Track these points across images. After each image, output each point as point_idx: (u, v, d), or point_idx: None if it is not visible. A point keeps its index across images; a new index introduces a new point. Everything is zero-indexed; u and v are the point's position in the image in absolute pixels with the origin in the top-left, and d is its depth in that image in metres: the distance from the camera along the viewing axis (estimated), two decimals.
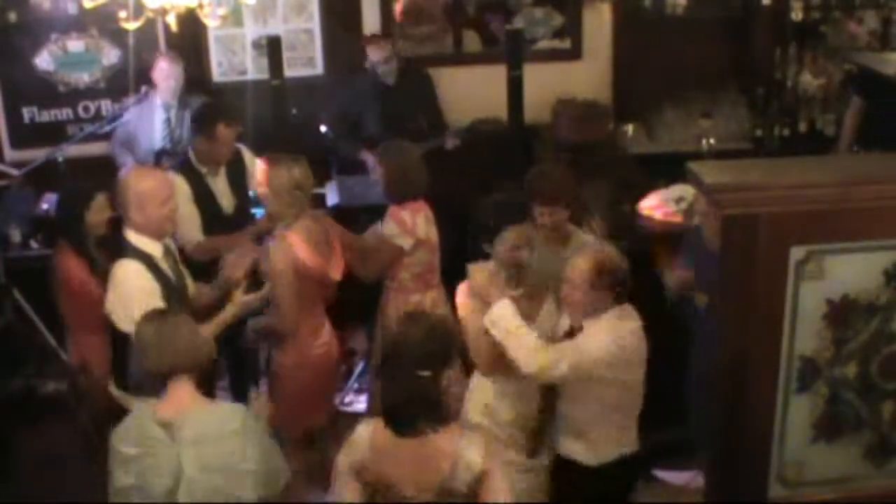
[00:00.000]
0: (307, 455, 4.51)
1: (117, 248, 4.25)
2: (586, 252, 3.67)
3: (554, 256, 4.18)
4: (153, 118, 5.88)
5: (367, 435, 3.06)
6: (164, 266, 3.90)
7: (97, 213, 4.25)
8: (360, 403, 5.57)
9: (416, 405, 2.99)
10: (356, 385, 5.71)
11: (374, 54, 6.15)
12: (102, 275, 4.00)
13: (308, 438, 4.52)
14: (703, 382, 4.15)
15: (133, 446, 3.08)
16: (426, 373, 3.00)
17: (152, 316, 3.29)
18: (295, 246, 4.14)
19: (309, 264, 4.15)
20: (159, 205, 3.87)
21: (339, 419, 5.42)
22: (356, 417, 5.38)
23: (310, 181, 4.27)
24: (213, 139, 4.77)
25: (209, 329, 3.88)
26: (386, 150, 4.74)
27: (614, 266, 3.58)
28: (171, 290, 3.87)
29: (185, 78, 5.90)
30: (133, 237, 3.87)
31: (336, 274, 4.33)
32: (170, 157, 5.56)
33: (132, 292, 3.73)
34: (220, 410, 3.23)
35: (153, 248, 3.88)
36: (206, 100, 5.79)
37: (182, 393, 3.15)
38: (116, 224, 4.27)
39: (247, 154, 5.07)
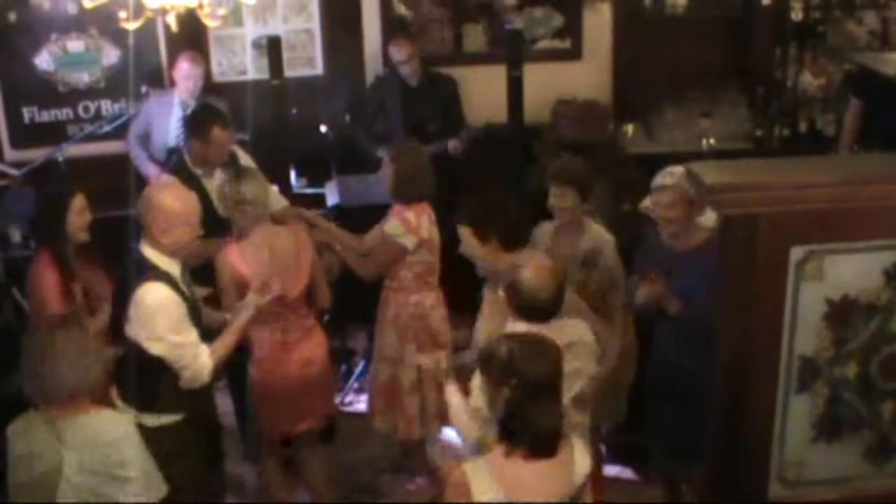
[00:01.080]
0: (281, 457, 4.55)
1: (95, 256, 4.24)
2: (518, 269, 3.53)
3: (565, 249, 4.30)
4: (170, 116, 5.90)
5: (486, 471, 2.92)
6: (182, 284, 3.80)
7: (78, 214, 4.16)
8: (360, 403, 5.57)
9: (560, 424, 2.96)
10: (356, 385, 5.72)
11: (396, 54, 6.17)
12: (75, 282, 3.99)
13: (286, 442, 4.53)
14: (664, 388, 4.17)
15: (24, 446, 3.16)
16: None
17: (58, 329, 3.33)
18: (233, 258, 4.15)
19: (247, 278, 4.11)
20: (188, 226, 3.74)
21: (340, 419, 5.44)
22: (356, 417, 5.42)
23: (259, 196, 4.22)
24: (207, 142, 4.75)
25: (228, 338, 3.88)
26: (398, 150, 4.75)
27: (525, 290, 3.46)
28: (190, 309, 3.79)
29: (203, 79, 5.95)
30: (153, 255, 3.71)
31: (291, 291, 4.23)
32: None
33: (158, 319, 3.63)
34: (104, 418, 3.25)
35: (173, 267, 3.75)
36: (222, 101, 5.80)
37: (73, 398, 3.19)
38: (104, 226, 4.25)
39: (242, 155, 5.07)
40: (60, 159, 5.86)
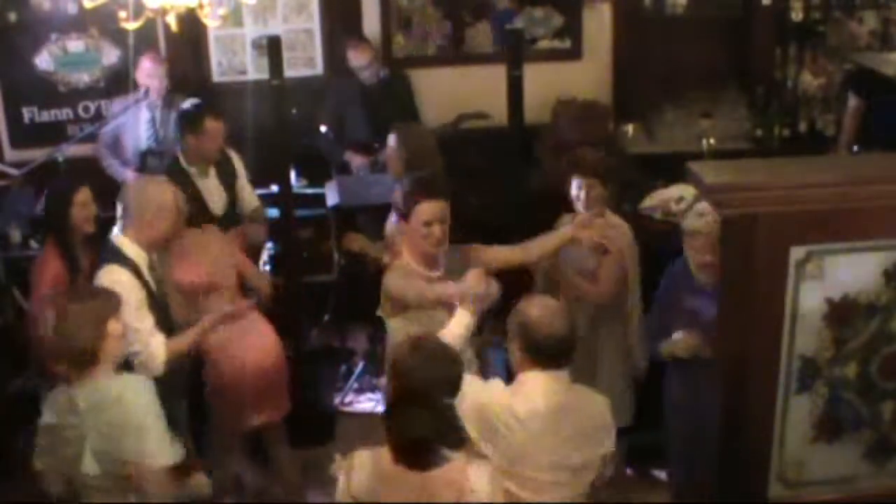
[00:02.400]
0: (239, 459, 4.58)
1: (100, 250, 4.25)
2: (532, 305, 3.31)
3: (586, 240, 4.25)
4: (138, 118, 5.89)
5: (370, 463, 2.92)
6: (148, 276, 3.88)
7: (82, 207, 4.25)
8: (360, 403, 5.58)
9: (441, 436, 2.85)
10: (356, 385, 5.72)
11: (355, 59, 6.17)
12: (81, 279, 4.01)
13: (245, 441, 4.55)
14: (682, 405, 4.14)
15: (51, 415, 3.27)
16: (450, 401, 2.92)
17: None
18: (172, 262, 4.18)
19: (177, 280, 4.15)
20: (172, 221, 3.89)
21: (339, 419, 5.45)
22: (356, 417, 5.43)
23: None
24: (200, 134, 4.76)
25: (188, 336, 3.93)
26: (404, 131, 4.71)
27: (535, 330, 3.21)
28: (150, 298, 3.86)
29: (169, 77, 5.91)
30: (124, 243, 3.83)
31: (225, 286, 4.27)
32: (155, 157, 5.56)
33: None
34: (115, 379, 3.28)
35: (141, 258, 3.85)
36: (193, 100, 5.79)
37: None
38: (103, 225, 4.28)
39: (235, 156, 5.07)
40: (60, 159, 5.84)
